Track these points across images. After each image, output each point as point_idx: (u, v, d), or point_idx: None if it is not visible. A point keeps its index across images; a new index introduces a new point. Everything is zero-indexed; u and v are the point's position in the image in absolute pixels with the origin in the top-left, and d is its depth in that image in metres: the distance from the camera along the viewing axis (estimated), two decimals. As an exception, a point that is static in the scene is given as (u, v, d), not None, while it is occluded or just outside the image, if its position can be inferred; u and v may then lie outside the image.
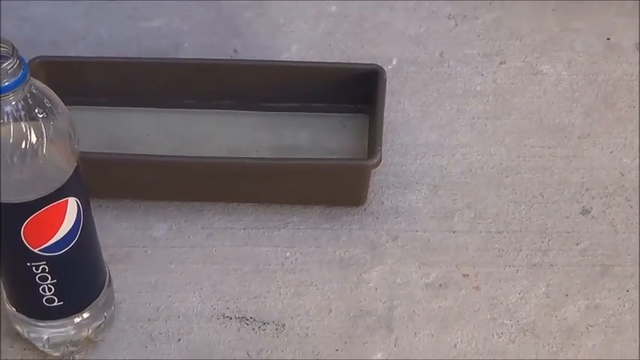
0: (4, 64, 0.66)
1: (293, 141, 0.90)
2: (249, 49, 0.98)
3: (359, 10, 1.01)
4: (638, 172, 0.87)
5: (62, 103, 0.71)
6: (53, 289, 0.74)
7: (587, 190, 0.86)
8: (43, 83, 0.71)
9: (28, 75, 0.68)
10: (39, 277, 0.73)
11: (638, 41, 0.98)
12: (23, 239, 0.70)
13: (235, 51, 0.98)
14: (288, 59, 0.97)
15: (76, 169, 0.72)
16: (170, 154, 0.87)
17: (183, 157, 0.86)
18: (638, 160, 0.88)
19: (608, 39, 0.98)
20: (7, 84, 0.66)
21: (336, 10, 1.01)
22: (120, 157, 0.87)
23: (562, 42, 0.98)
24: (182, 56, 0.98)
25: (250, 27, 1.00)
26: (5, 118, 0.67)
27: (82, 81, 0.90)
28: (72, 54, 0.97)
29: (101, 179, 0.79)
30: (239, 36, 0.99)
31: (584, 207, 0.84)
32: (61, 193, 0.71)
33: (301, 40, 0.99)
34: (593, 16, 1.00)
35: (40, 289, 0.74)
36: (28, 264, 0.72)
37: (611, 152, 0.89)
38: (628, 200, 0.85)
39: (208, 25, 1.00)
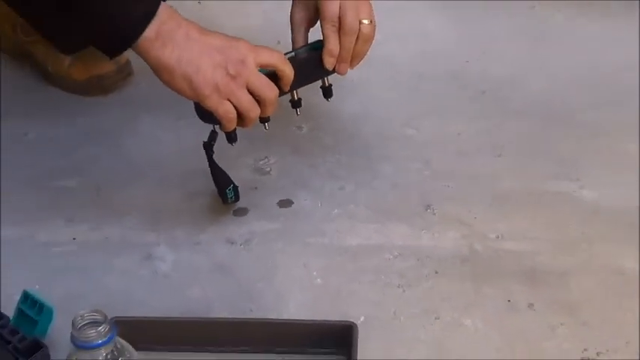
0: (99, 328, 0.69)
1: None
2: (260, 309, 0.98)
3: (337, 282, 1.02)
4: None
5: (135, 353, 0.74)
6: None
7: None
8: (118, 334, 0.73)
9: (115, 336, 0.71)
10: None
11: None
12: None
13: (251, 311, 0.98)
14: (290, 317, 0.97)
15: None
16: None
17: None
18: None
19: None
20: (100, 342, 0.69)
21: (321, 282, 1.02)
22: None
23: None
24: (215, 315, 0.97)
25: (261, 294, 1.00)
26: (99, 366, 0.69)
27: (145, 333, 0.88)
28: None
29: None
30: (253, 301, 0.99)
31: None
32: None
33: (296, 304, 0.99)
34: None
35: None
36: None
37: None
38: None
39: (232, 294, 1.01)
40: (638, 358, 0.93)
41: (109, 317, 0.73)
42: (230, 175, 1.09)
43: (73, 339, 0.69)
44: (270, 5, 1.44)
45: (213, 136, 1.03)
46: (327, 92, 1.09)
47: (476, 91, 1.34)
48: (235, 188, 1.09)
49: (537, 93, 1.34)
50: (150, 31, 0.91)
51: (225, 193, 1.08)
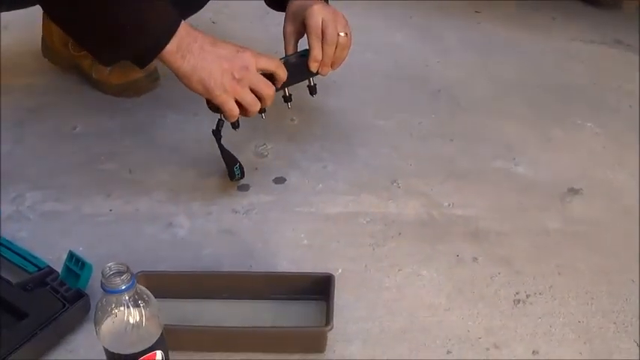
0: (123, 277, 0.69)
1: (285, 315, 0.90)
2: (258, 264, 0.97)
3: (321, 243, 1.01)
4: None
5: (153, 297, 0.73)
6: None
7: None
8: (143, 285, 0.73)
9: (135, 283, 0.70)
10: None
11: None
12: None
13: (251, 266, 0.97)
14: (282, 270, 0.97)
15: (161, 335, 0.73)
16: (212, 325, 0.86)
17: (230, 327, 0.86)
18: None
19: None
20: (124, 287, 0.69)
21: (307, 243, 1.01)
22: (183, 327, 0.85)
23: None
24: (222, 270, 0.97)
25: (260, 253, 0.99)
26: (124, 306, 0.69)
27: (163, 284, 0.88)
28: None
29: (174, 339, 0.78)
30: (253, 258, 0.99)
31: None
32: (152, 348, 0.72)
33: (287, 260, 0.99)
34: None
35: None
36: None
37: None
38: None
39: (236, 253, 0.99)
40: (557, 299, 0.93)
41: (137, 272, 0.72)
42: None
43: (102, 285, 0.68)
44: (270, 22, 1.42)
45: (220, 123, 1.02)
46: (312, 90, 1.08)
47: (433, 89, 1.34)
48: (241, 166, 1.08)
49: (482, 91, 1.34)
50: (171, 46, 0.91)
51: (232, 170, 1.07)
